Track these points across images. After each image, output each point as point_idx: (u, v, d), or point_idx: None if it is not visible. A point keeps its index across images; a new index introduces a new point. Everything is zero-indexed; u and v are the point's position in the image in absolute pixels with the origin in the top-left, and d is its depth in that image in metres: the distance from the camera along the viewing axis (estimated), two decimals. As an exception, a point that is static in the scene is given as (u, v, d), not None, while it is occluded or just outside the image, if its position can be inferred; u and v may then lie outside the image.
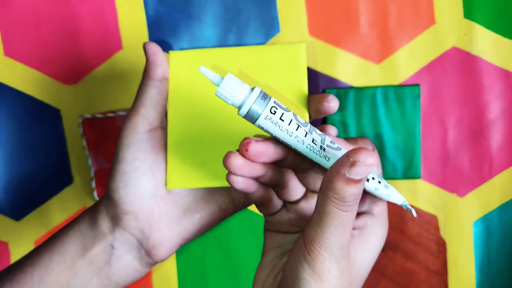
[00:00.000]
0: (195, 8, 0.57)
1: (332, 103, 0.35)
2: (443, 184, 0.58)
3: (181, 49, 0.57)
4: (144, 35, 0.57)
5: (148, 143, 0.38)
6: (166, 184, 0.39)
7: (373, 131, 0.57)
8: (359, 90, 0.56)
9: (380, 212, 0.35)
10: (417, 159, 0.57)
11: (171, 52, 0.38)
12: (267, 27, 0.57)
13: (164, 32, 0.57)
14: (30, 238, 0.58)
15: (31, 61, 0.57)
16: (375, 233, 0.34)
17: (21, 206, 0.58)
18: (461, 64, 0.56)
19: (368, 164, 0.28)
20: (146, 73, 0.39)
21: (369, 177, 0.32)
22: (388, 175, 0.57)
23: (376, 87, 0.56)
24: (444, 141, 0.57)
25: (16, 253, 0.58)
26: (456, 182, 0.57)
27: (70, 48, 0.57)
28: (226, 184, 0.37)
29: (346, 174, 0.28)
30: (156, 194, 0.39)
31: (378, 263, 0.58)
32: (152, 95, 0.38)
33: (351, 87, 0.57)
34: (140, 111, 0.38)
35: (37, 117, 0.57)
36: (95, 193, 0.57)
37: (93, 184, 0.57)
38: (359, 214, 0.35)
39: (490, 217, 0.57)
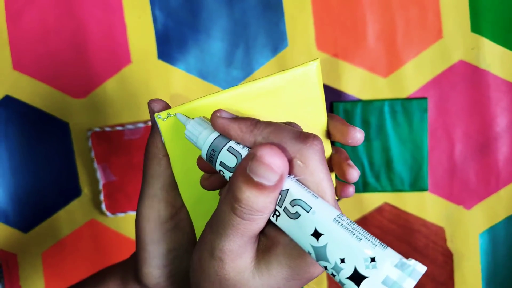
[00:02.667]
0: (203, 23, 0.57)
1: (358, 140, 0.31)
2: (450, 197, 0.58)
3: (187, 64, 0.57)
4: (153, 49, 0.57)
5: (179, 230, 0.33)
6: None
7: (381, 144, 0.57)
8: (367, 103, 0.57)
9: (285, 243, 0.27)
10: (424, 172, 0.57)
11: (156, 115, 0.31)
12: (275, 41, 0.57)
13: (172, 46, 0.57)
14: (38, 250, 0.59)
15: (40, 75, 0.57)
16: (277, 263, 0.27)
17: (29, 218, 0.58)
18: (468, 77, 0.57)
19: (273, 166, 0.24)
20: (154, 147, 0.32)
21: (281, 209, 0.26)
22: (395, 187, 0.57)
23: (384, 100, 0.57)
24: (451, 154, 0.57)
25: (24, 265, 0.59)
26: (463, 194, 0.58)
27: (79, 62, 0.57)
28: None
29: (247, 170, 0.25)
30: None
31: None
32: (166, 173, 0.32)
33: (359, 100, 0.57)
34: (158, 196, 0.32)
35: (46, 130, 0.58)
36: (103, 206, 0.57)
37: (101, 197, 0.57)
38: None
39: (497, 229, 0.58)
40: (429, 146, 0.57)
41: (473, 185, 0.58)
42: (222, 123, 0.28)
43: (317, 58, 0.32)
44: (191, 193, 0.33)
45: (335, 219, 0.25)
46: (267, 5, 0.57)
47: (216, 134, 0.28)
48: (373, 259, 0.24)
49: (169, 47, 0.57)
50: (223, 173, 0.28)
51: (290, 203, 0.25)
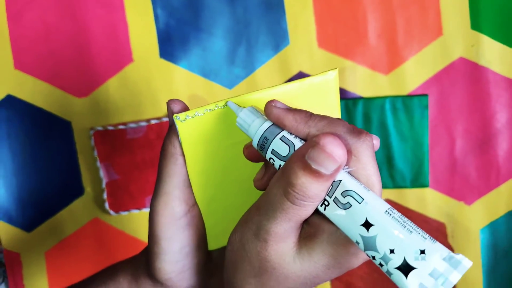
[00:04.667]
0: (204, 21, 0.57)
1: (374, 147, 0.30)
2: (450, 192, 0.58)
3: (189, 62, 0.58)
4: (155, 48, 0.57)
5: (191, 226, 0.34)
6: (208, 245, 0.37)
7: (382, 141, 0.58)
8: (368, 100, 0.57)
9: (329, 231, 0.28)
10: (425, 168, 0.58)
11: (175, 116, 0.31)
12: (277, 39, 0.57)
13: (174, 45, 0.57)
14: (41, 249, 0.59)
15: (42, 74, 0.57)
16: (320, 250, 0.28)
17: (32, 217, 0.58)
18: (468, 74, 0.57)
19: (334, 156, 0.25)
20: (172, 147, 0.32)
21: (330, 199, 0.27)
22: (396, 184, 0.58)
23: (385, 97, 0.57)
24: (452, 150, 0.58)
25: (28, 264, 0.59)
26: (463, 190, 0.58)
27: (81, 61, 0.57)
28: None
29: (306, 157, 0.25)
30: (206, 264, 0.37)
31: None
32: (181, 172, 0.33)
33: (360, 98, 0.57)
34: (173, 194, 0.33)
35: (48, 129, 0.58)
36: (106, 205, 0.58)
37: (105, 196, 0.58)
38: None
39: (497, 224, 0.58)
40: (430, 143, 0.58)
41: (474, 181, 0.58)
42: (278, 113, 0.28)
43: (336, 68, 0.32)
44: (204, 193, 0.34)
45: (386, 211, 0.26)
46: (268, 3, 0.57)
47: (269, 123, 0.29)
48: (422, 252, 0.25)
49: (171, 45, 0.57)
50: (273, 161, 0.28)
51: (341, 194, 0.26)
